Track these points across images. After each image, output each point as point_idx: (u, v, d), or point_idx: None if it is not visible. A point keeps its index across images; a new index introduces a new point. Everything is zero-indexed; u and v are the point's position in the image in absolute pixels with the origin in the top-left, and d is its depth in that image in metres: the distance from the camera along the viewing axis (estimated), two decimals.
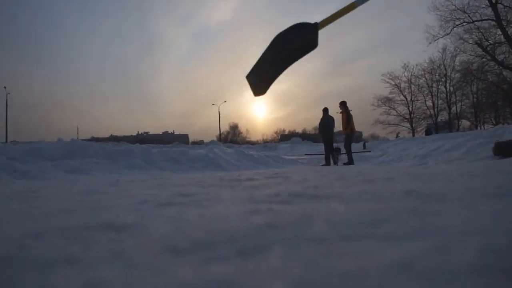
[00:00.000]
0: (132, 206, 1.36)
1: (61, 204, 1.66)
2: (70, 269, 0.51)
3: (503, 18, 25.96)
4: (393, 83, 41.96)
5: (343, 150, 10.86)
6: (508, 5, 24.77)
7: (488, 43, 27.88)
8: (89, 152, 6.92)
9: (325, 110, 10.84)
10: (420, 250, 0.49)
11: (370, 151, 14.82)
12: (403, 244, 0.53)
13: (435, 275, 0.39)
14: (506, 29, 25.86)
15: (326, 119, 10.65)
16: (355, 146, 13.35)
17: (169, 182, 2.91)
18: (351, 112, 10.53)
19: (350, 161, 9.73)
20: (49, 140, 8.67)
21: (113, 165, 6.67)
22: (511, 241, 0.51)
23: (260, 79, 2.33)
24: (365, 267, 0.42)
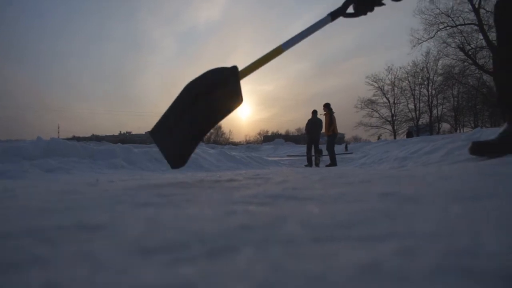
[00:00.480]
0: (108, 206, 1.35)
1: (36, 204, 1.63)
2: (34, 270, 0.51)
3: (485, 23, 26.55)
4: (377, 85, 42.53)
5: (324, 152, 10.97)
6: (490, 10, 25.39)
7: (470, 47, 28.46)
8: (70, 151, 6.83)
9: (314, 112, 11.03)
10: (388, 252, 0.49)
11: (352, 153, 14.97)
12: (373, 246, 0.53)
13: (398, 276, 0.40)
14: (488, 34, 26.44)
15: (315, 121, 10.82)
16: (337, 148, 13.43)
17: (149, 183, 2.89)
18: (334, 114, 10.66)
19: (333, 163, 9.83)
20: (29, 139, 8.54)
21: (94, 164, 6.59)
22: (476, 242, 0.52)
23: (178, 146, 2.07)
24: (329, 269, 0.42)
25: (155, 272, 0.45)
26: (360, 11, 2.41)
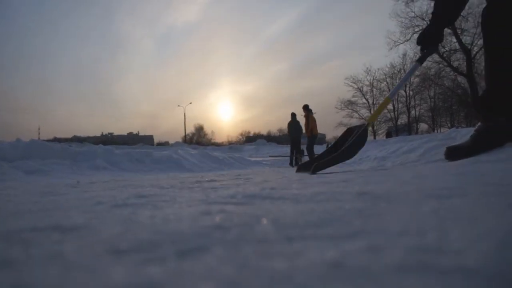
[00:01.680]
0: (86, 207, 1.34)
1: (14, 206, 1.61)
2: (4, 272, 0.50)
3: (458, 27, 27.19)
4: (356, 86, 43.00)
5: (305, 152, 11.09)
6: (462, 14, 26.05)
7: (445, 50, 29.07)
8: (50, 153, 6.75)
9: (293, 115, 11.25)
10: (355, 250, 0.50)
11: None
12: (341, 244, 0.54)
13: (362, 273, 0.41)
14: (461, 37, 27.04)
15: (294, 123, 11.01)
16: (318, 148, 13.50)
17: (129, 183, 2.87)
18: (314, 115, 10.78)
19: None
20: (8, 140, 8.41)
21: (75, 166, 6.52)
22: (442, 240, 0.53)
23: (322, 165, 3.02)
24: (295, 267, 0.43)
25: (124, 272, 0.45)
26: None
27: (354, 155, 3.12)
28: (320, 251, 0.50)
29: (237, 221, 0.79)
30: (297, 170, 3.47)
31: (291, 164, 10.84)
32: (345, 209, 0.87)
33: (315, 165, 2.95)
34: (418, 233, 0.57)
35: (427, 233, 0.57)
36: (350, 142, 3.04)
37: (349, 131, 3.36)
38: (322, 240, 0.57)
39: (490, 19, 2.66)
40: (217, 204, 1.13)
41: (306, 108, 10.96)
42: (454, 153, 2.71)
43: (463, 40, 27.10)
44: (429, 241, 0.53)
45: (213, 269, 0.44)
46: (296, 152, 10.90)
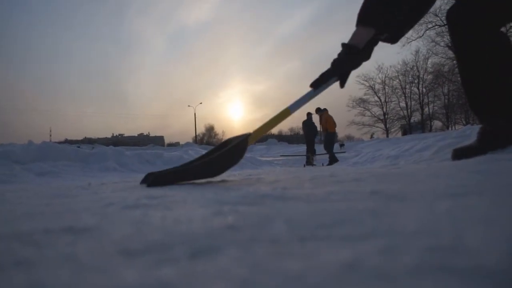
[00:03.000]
0: (97, 209, 1.34)
1: (26, 207, 1.62)
2: (18, 272, 0.50)
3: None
4: (368, 84, 42.85)
5: (318, 152, 11.09)
6: None
7: None
8: (61, 155, 6.80)
9: (308, 115, 11.34)
10: (370, 251, 0.49)
11: (345, 152, 15.04)
12: (355, 245, 0.53)
13: (377, 275, 0.40)
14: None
15: (309, 123, 11.10)
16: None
17: (140, 185, 2.88)
18: (329, 113, 10.80)
19: (332, 161, 9.91)
20: (21, 143, 8.49)
21: (86, 168, 6.57)
22: (458, 240, 0.52)
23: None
24: (309, 268, 0.43)
25: (136, 274, 0.45)
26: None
27: (224, 169, 2.43)
28: (333, 252, 0.50)
29: (250, 222, 0.78)
30: (142, 181, 2.55)
31: (306, 164, 10.84)
32: (357, 209, 0.86)
33: (155, 176, 2.24)
34: (433, 233, 0.56)
35: (443, 233, 0.56)
36: (219, 153, 2.37)
37: (226, 143, 2.63)
38: (335, 241, 0.57)
39: (457, 20, 2.62)
40: (229, 204, 1.13)
41: (318, 110, 11.05)
42: (461, 155, 2.68)
43: None
44: (444, 241, 0.52)
45: (225, 270, 0.44)
46: (309, 151, 10.92)
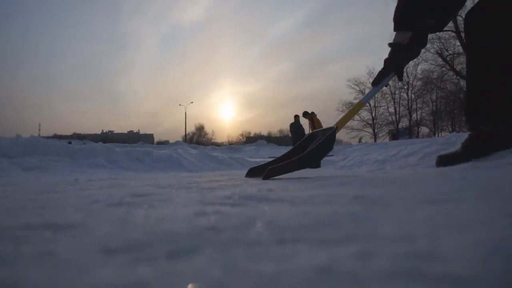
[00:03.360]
0: (82, 205, 1.34)
1: (10, 202, 1.61)
2: None
3: (462, 30, 27.27)
4: (358, 88, 43.09)
5: None
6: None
7: (448, 53, 29.14)
8: (50, 150, 6.75)
9: (296, 117, 11.35)
10: (345, 255, 0.50)
11: (332, 156, 15.11)
12: (332, 249, 0.54)
13: (350, 279, 0.40)
14: (465, 40, 27.19)
15: (297, 126, 11.13)
16: None
17: (127, 182, 2.87)
18: (317, 116, 10.86)
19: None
20: (9, 136, 8.42)
21: (74, 163, 6.52)
22: (433, 246, 0.53)
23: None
24: (283, 270, 0.43)
25: (113, 272, 0.45)
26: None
27: (320, 160, 2.80)
28: (309, 255, 0.50)
29: (231, 223, 0.78)
30: (247, 175, 2.98)
31: None
32: (339, 213, 0.87)
33: (269, 170, 2.55)
34: (409, 239, 0.57)
35: (419, 239, 0.57)
36: (315, 145, 2.65)
37: (313, 136, 2.98)
38: (313, 244, 0.57)
39: (477, 22, 2.66)
40: (213, 205, 1.13)
41: (306, 114, 11.09)
42: (445, 162, 2.71)
43: None
44: (420, 247, 0.53)
45: (201, 271, 0.44)
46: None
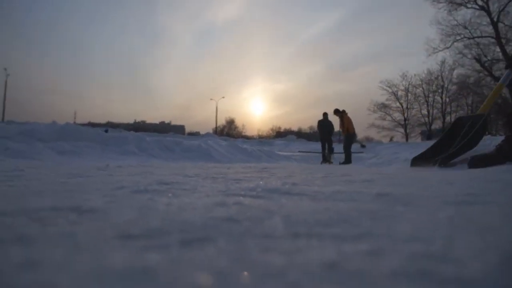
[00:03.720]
0: (108, 191, 1.37)
1: (41, 184, 1.67)
2: (16, 247, 0.52)
3: (503, 37, 26.44)
4: (390, 90, 42.33)
5: (335, 150, 11.08)
6: (508, 24, 25.34)
7: (486, 59, 28.34)
8: (83, 136, 6.93)
9: (325, 114, 11.34)
10: (355, 252, 0.49)
11: (363, 152, 14.94)
12: (343, 245, 0.54)
13: (355, 276, 0.40)
14: (505, 47, 26.33)
15: (325, 123, 11.09)
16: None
17: (155, 170, 2.92)
18: (348, 114, 10.76)
19: (347, 161, 9.89)
20: (46, 122, 8.69)
21: (106, 150, 6.68)
22: (447, 247, 0.52)
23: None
24: (291, 265, 0.43)
25: (124, 257, 0.46)
26: None
27: (476, 145, 3.26)
28: (320, 251, 0.50)
29: (250, 215, 0.79)
30: (412, 165, 3.62)
31: (323, 161, 10.87)
32: (359, 210, 0.86)
33: (442, 158, 3.16)
34: (424, 240, 0.56)
35: (434, 240, 0.56)
36: (472, 133, 3.19)
37: (459, 120, 3.60)
38: (326, 240, 0.57)
39: None
40: (235, 196, 1.14)
41: (337, 112, 11.01)
42: (478, 162, 2.65)
43: (507, 50, 26.37)
44: (434, 248, 0.52)
45: (210, 261, 0.45)
46: (328, 149, 10.93)
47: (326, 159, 10.60)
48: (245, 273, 0.40)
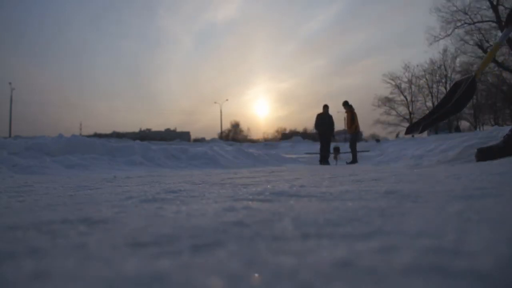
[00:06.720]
0: (117, 201, 1.38)
1: (50, 198, 1.67)
2: (28, 261, 0.53)
3: (503, 20, 26.26)
4: (394, 83, 42.16)
5: (342, 150, 10.74)
6: (509, 6, 25.04)
7: (489, 45, 28.07)
8: (89, 148, 6.96)
9: (325, 107, 10.34)
10: (367, 250, 0.49)
11: (369, 151, 14.84)
12: (355, 244, 0.54)
13: (367, 274, 0.40)
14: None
15: (327, 116, 10.23)
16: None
17: (163, 179, 2.93)
18: (355, 111, 10.31)
19: (354, 160, 9.60)
20: (52, 135, 8.75)
21: (113, 161, 6.70)
22: (459, 242, 0.52)
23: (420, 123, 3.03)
24: (302, 265, 0.43)
25: (136, 265, 0.46)
26: None
27: (462, 108, 3.13)
28: (331, 250, 0.50)
29: (258, 218, 0.79)
30: (407, 132, 3.50)
31: (321, 162, 10.16)
32: (368, 208, 0.86)
33: (423, 125, 2.96)
34: (435, 234, 0.56)
35: (446, 234, 0.56)
36: (458, 96, 2.92)
37: (457, 85, 3.25)
38: (337, 239, 0.57)
39: None
40: (243, 200, 1.14)
41: (346, 104, 10.23)
42: (485, 155, 2.62)
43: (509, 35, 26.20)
44: (445, 243, 0.52)
45: (221, 264, 0.45)
46: (333, 149, 10.46)
47: (326, 159, 10.02)
48: (257, 275, 0.41)
